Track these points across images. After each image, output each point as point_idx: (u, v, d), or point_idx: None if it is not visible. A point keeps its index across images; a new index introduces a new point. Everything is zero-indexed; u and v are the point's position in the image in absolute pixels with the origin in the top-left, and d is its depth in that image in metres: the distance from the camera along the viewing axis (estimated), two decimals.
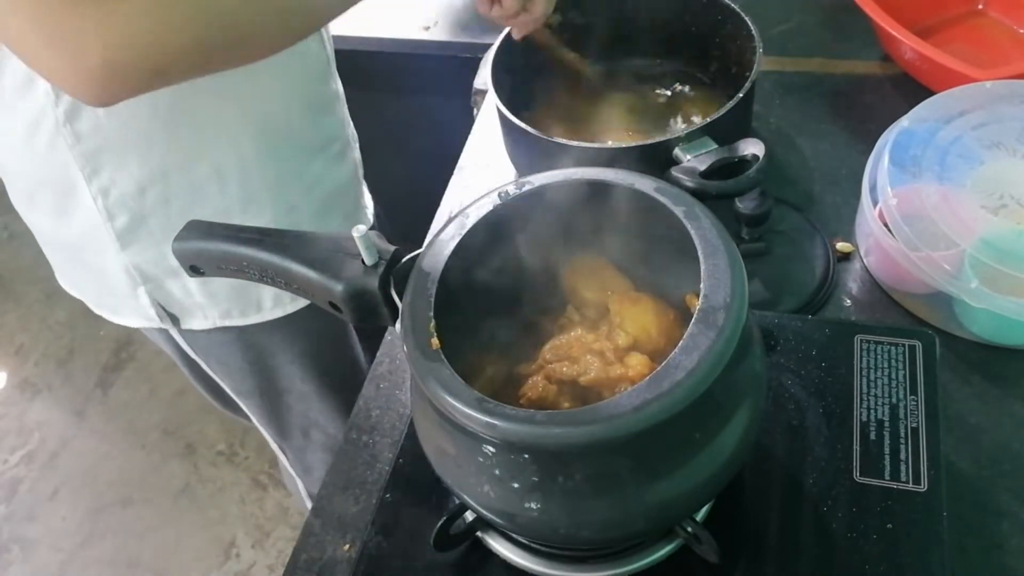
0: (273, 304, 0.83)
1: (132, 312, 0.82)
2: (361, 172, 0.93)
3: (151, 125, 0.68)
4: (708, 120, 0.71)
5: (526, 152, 0.80)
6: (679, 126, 0.84)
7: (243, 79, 0.69)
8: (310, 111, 0.80)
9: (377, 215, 1.06)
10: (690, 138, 0.70)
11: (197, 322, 0.82)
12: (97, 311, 0.85)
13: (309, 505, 1.21)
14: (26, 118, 0.66)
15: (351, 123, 0.92)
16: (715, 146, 0.69)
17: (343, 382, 0.97)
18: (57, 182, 0.70)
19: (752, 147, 0.67)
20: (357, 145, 0.93)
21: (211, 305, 0.81)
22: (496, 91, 0.78)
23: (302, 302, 0.84)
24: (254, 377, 0.92)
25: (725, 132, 0.70)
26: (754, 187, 0.65)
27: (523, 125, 0.75)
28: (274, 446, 1.08)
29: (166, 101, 0.67)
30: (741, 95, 0.73)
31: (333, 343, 0.95)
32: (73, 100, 0.65)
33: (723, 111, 0.72)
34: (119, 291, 0.79)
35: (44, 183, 0.72)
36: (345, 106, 0.90)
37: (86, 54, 0.49)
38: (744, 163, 0.67)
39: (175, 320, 0.82)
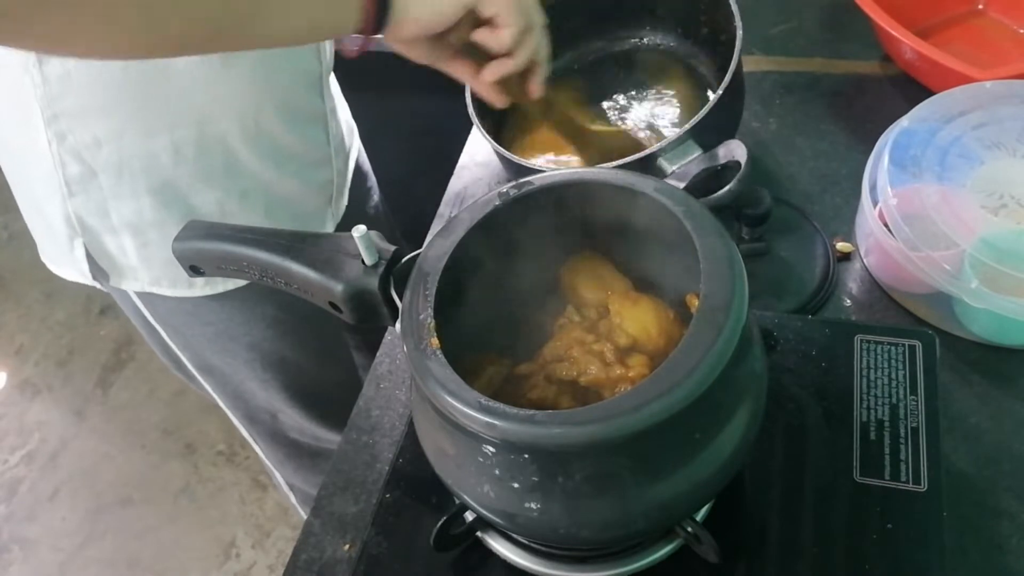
0: (204, 283, 0.82)
1: (69, 264, 0.82)
2: (335, 193, 0.91)
3: (120, 90, 0.68)
4: (690, 124, 0.68)
5: (512, 174, 0.79)
6: (663, 124, 0.82)
7: (223, 73, 0.70)
8: (288, 119, 0.79)
9: (378, 215, 1.07)
10: (673, 146, 0.68)
11: (127, 283, 0.82)
12: (43, 259, 0.86)
13: (291, 497, 1.22)
14: None
15: (346, 144, 0.91)
16: (699, 152, 0.67)
17: (302, 374, 0.96)
18: (19, 119, 0.71)
19: (736, 151, 0.64)
20: (347, 169, 0.93)
21: (143, 269, 0.81)
22: (479, 119, 0.77)
23: (237, 283, 0.83)
24: (213, 355, 0.92)
25: (709, 134, 0.68)
26: (736, 199, 0.62)
27: (501, 149, 0.73)
28: (244, 433, 1.08)
29: (137, 72, 0.67)
30: (720, 92, 0.70)
31: (288, 332, 0.93)
32: None
33: (704, 112, 0.69)
34: (59, 240, 0.80)
35: (6, 120, 0.73)
36: (339, 125, 0.89)
37: None
38: (728, 170, 0.64)
39: (105, 277, 0.82)
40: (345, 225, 0.90)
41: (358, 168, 1.00)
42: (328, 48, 0.83)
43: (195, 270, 0.56)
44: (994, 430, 0.63)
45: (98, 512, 1.76)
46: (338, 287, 0.50)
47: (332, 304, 0.51)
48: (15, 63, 0.67)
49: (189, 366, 0.95)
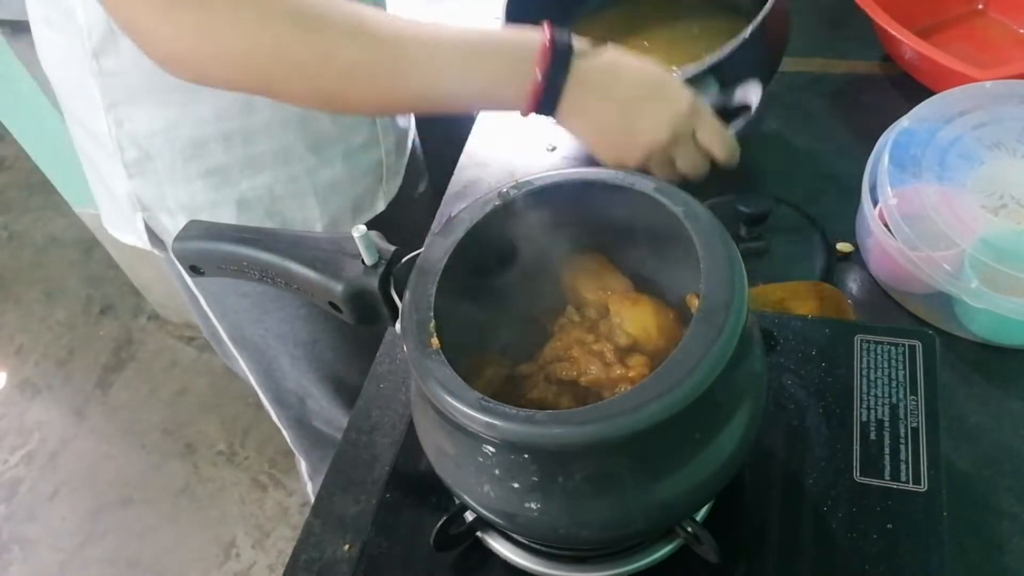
0: None
1: (131, 233, 0.87)
2: (386, 173, 0.92)
3: (169, 84, 0.70)
4: (712, 61, 0.67)
5: None
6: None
7: None
8: None
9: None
10: (694, 80, 0.67)
11: None
12: (105, 225, 0.92)
13: (309, 487, 1.23)
14: (65, 41, 0.73)
15: (399, 124, 0.92)
16: (716, 87, 0.66)
17: (332, 357, 0.98)
18: (86, 102, 0.77)
19: (750, 93, 0.63)
20: (400, 148, 0.93)
21: None
22: None
23: None
24: (248, 325, 0.94)
25: (732, 72, 0.66)
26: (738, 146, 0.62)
27: None
28: (273, 417, 1.10)
29: None
30: (747, 34, 0.68)
31: (322, 313, 0.93)
32: (103, 38, 0.70)
33: (728, 50, 0.68)
34: (123, 211, 0.85)
35: (79, 99, 0.78)
36: None
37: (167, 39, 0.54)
38: (741, 111, 0.64)
39: (163, 247, 0.87)
40: (394, 205, 0.92)
41: (412, 150, 1.00)
42: None
43: (195, 270, 0.56)
44: (994, 430, 0.63)
45: (98, 512, 1.76)
46: (338, 287, 0.50)
47: (332, 304, 0.51)
48: (79, 53, 0.72)
49: (226, 338, 0.98)
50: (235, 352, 1.00)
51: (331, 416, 1.06)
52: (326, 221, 0.87)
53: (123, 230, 0.89)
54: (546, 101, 0.56)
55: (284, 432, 1.13)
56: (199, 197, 0.81)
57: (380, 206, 0.92)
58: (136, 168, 0.79)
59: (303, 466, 1.22)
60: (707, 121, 0.61)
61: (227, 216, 0.82)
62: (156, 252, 0.89)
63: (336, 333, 0.97)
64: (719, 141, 0.61)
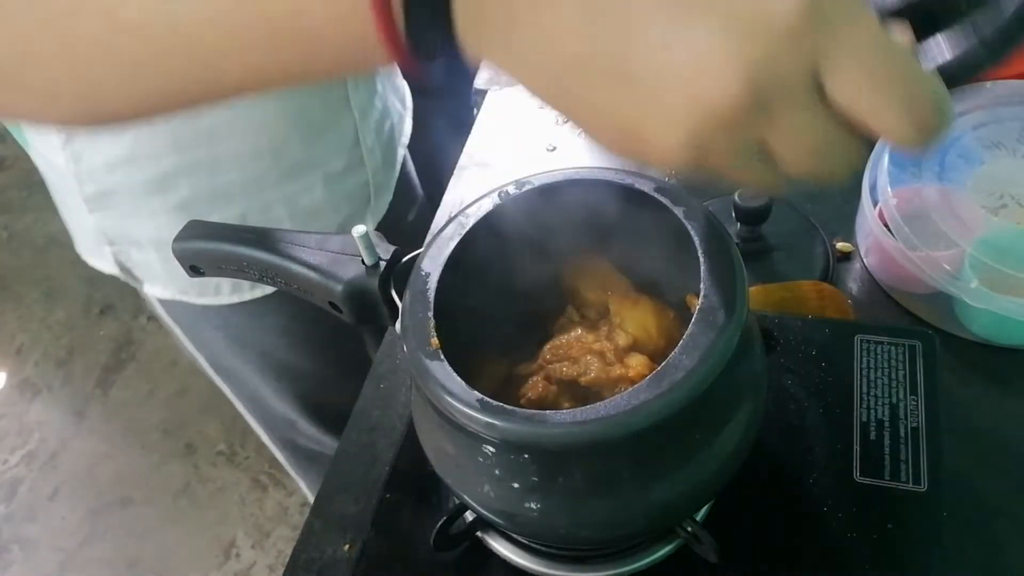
0: (231, 290, 0.83)
1: (105, 263, 0.83)
2: (374, 192, 0.86)
3: None
4: None
5: None
6: None
7: None
8: (307, 133, 0.76)
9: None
10: None
11: (158, 290, 0.83)
12: (77, 250, 0.86)
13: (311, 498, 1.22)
14: None
15: (388, 138, 0.86)
16: None
17: (317, 385, 0.96)
18: (43, 136, 0.73)
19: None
20: (388, 164, 0.88)
21: (170, 280, 0.82)
22: None
23: (265, 290, 0.83)
24: (227, 359, 0.92)
25: None
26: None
27: None
28: (266, 440, 1.08)
29: None
30: None
31: (301, 342, 0.92)
32: None
33: None
34: (91, 242, 0.81)
35: (36, 133, 0.75)
36: (376, 122, 0.84)
37: None
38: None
39: (138, 281, 0.84)
40: (384, 226, 0.87)
41: (404, 173, 0.93)
42: None
43: (195, 270, 0.56)
44: (994, 430, 0.63)
45: (98, 512, 1.76)
46: (338, 287, 0.50)
47: (332, 304, 0.51)
48: None
49: (207, 368, 0.96)
50: (219, 382, 0.98)
51: (322, 439, 1.04)
52: None
53: (97, 257, 0.84)
54: (419, 16, 0.28)
55: (277, 455, 1.11)
56: (166, 232, 0.73)
57: (370, 227, 0.87)
58: (97, 204, 0.75)
59: (303, 487, 1.20)
60: (865, 44, 0.25)
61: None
62: (136, 286, 0.85)
63: (320, 361, 0.94)
64: (896, 92, 0.26)
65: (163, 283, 0.83)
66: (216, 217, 0.74)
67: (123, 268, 0.82)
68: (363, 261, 0.50)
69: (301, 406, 0.99)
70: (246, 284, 0.82)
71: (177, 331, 0.91)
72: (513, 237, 0.53)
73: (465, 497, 0.47)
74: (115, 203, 0.75)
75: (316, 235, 0.52)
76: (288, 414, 1.01)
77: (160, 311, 0.88)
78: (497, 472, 0.44)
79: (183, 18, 0.32)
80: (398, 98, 0.92)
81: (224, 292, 0.83)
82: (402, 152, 0.93)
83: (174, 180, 0.73)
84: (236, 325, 0.87)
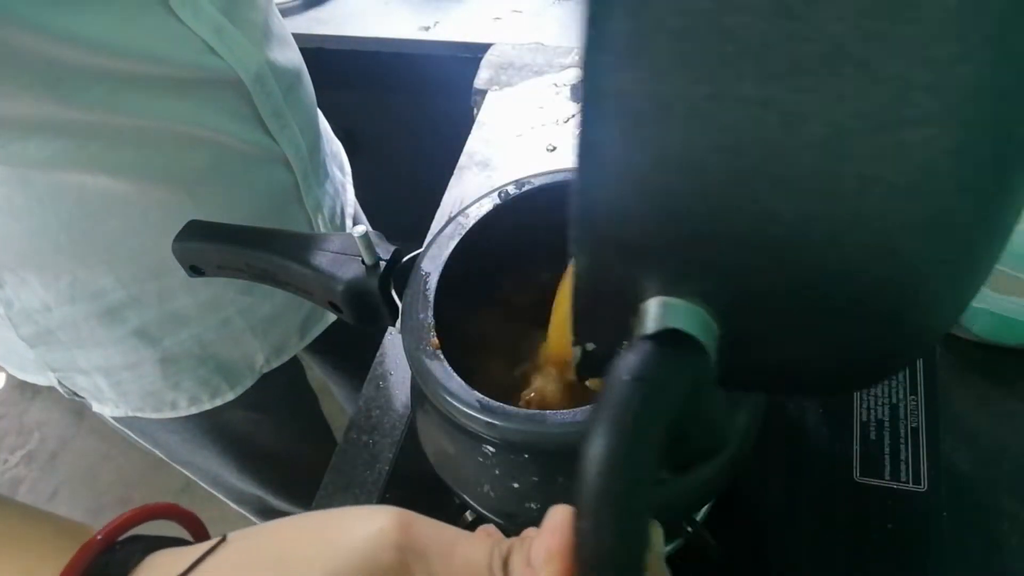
0: (189, 403, 0.78)
1: (41, 378, 0.75)
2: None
3: (56, 254, 0.63)
4: None
5: None
6: None
7: (167, 223, 0.57)
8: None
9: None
10: None
11: (108, 410, 0.77)
12: (11, 371, 0.77)
13: None
14: None
15: (334, 223, 0.81)
16: None
17: (281, 464, 0.95)
18: None
19: None
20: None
21: (122, 401, 0.76)
22: None
23: (227, 396, 0.79)
24: (185, 455, 0.88)
25: None
26: None
27: None
28: (233, 507, 1.07)
29: (77, 231, 0.62)
30: None
31: (259, 431, 0.89)
32: None
33: None
34: (31, 366, 0.74)
35: None
36: (333, 214, 0.81)
37: None
38: None
39: (86, 401, 0.77)
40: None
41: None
42: (304, 147, 0.73)
43: (195, 270, 0.56)
44: (994, 430, 0.63)
45: (98, 512, 1.76)
46: (338, 287, 0.50)
47: (332, 304, 0.51)
48: None
49: (167, 459, 0.91)
50: (180, 470, 0.93)
51: (295, 510, 1.02)
52: (268, 351, 0.78)
53: (34, 376, 0.76)
54: None
55: (252, 519, 1.09)
56: (116, 360, 0.71)
57: (331, 317, 0.83)
58: (37, 340, 0.69)
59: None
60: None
61: (151, 374, 0.72)
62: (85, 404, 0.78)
63: (283, 441, 0.91)
64: None
65: (114, 403, 0.77)
66: (169, 342, 0.72)
67: (67, 390, 0.76)
68: (363, 261, 0.50)
69: (267, 485, 0.97)
70: (205, 395, 0.78)
71: (130, 434, 0.85)
72: (513, 237, 0.53)
73: (465, 497, 0.47)
74: (57, 338, 0.69)
75: (316, 235, 0.52)
76: (255, 491, 0.99)
77: (109, 420, 0.82)
78: (497, 472, 0.44)
79: None
80: (337, 165, 0.86)
81: (181, 406, 0.78)
82: (350, 220, 0.88)
83: (121, 313, 0.68)
84: (193, 430, 0.83)
